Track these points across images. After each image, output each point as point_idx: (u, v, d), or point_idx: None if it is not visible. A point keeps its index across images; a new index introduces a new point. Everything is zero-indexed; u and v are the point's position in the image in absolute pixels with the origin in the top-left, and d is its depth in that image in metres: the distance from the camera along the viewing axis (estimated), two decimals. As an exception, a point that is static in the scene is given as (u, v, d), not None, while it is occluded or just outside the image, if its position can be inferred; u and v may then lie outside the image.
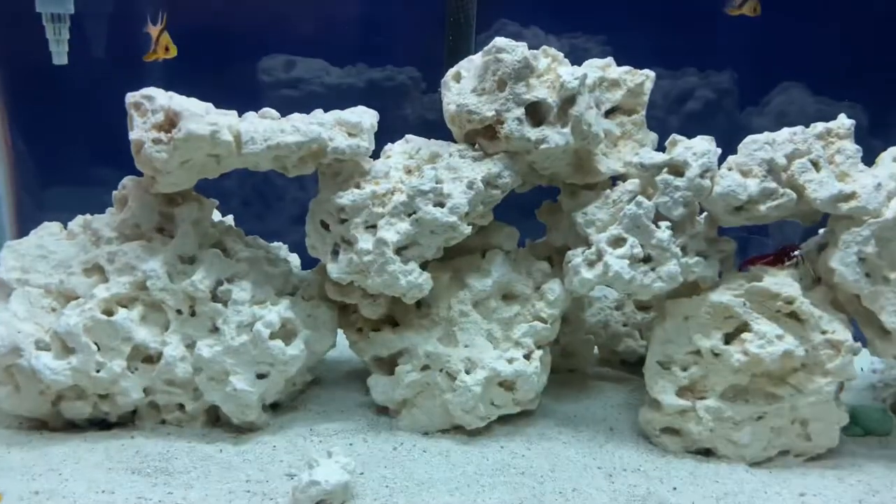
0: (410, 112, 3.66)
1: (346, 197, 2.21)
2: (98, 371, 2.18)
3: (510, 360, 2.27)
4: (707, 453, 2.27)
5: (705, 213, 2.33)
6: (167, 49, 2.26)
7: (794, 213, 2.28)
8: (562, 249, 2.45)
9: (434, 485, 2.02)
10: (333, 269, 2.25)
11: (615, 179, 2.43)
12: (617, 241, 2.23)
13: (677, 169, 2.20)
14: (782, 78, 3.47)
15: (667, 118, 3.47)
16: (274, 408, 2.45)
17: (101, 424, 2.33)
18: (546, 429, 2.39)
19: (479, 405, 2.24)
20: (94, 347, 2.17)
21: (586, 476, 2.10)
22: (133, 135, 2.19)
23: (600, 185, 2.40)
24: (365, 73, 3.95)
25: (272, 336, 2.23)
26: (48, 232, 2.46)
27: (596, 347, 3.03)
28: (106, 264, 2.28)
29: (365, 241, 2.18)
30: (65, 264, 2.34)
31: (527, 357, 2.31)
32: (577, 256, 2.30)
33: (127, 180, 2.40)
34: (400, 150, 2.41)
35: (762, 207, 2.19)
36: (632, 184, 2.32)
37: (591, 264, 2.26)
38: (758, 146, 2.20)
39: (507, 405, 2.31)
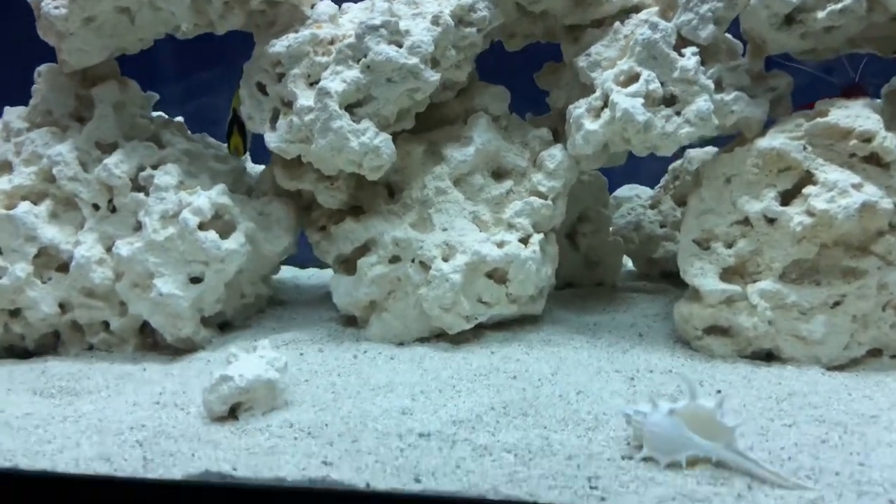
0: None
1: (280, 44, 1.77)
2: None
3: (500, 244, 1.78)
4: (769, 358, 1.72)
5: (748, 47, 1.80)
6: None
7: (866, 30, 1.71)
8: (565, 112, 1.95)
9: (394, 389, 1.54)
10: (272, 139, 1.81)
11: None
12: (628, 79, 1.72)
13: (703, -26, 1.68)
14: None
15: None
16: (223, 328, 2.02)
17: (21, 354, 1.97)
18: (554, 335, 1.88)
19: (461, 300, 1.76)
20: (-7, 248, 1.81)
21: (598, 380, 1.58)
22: (32, -5, 1.83)
23: (608, 21, 1.89)
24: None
25: (203, 227, 1.81)
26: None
27: (629, 260, 2.51)
28: (13, 157, 1.92)
29: (305, 98, 1.74)
30: (-26, 165, 2.00)
31: (523, 242, 1.81)
32: (578, 108, 1.79)
33: (41, 67, 2.04)
34: (360, 7, 1.97)
35: (820, 15, 1.63)
36: (647, 12, 1.81)
37: (596, 113, 1.76)
38: (811, -67, 1.65)
39: (500, 302, 1.81)
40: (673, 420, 1.20)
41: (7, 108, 2.03)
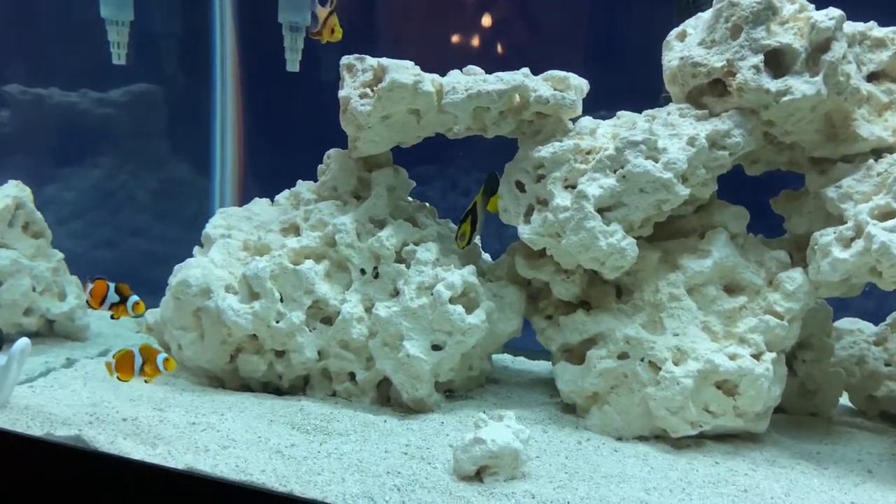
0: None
1: (546, 149, 2.00)
2: (277, 322, 2.11)
3: (732, 356, 1.84)
4: None
5: None
6: (332, 31, 2.24)
7: None
8: (803, 240, 2.00)
9: (626, 480, 1.62)
10: (525, 230, 2.02)
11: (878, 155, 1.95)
12: (883, 214, 1.76)
13: (973, 122, 1.71)
14: None
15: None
16: (448, 395, 2.20)
17: (274, 392, 2.25)
18: (778, 457, 1.87)
19: (689, 405, 1.82)
20: (278, 296, 2.12)
21: (836, 508, 1.57)
22: (342, 92, 2.20)
23: (859, 158, 1.95)
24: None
25: (452, 300, 2.02)
26: (257, 203, 2.55)
27: (845, 394, 2.42)
28: (301, 222, 2.27)
29: (562, 198, 1.94)
30: (265, 225, 2.37)
31: (755, 357, 1.85)
32: (826, 235, 1.84)
33: (331, 151, 2.41)
34: (610, 124, 2.17)
35: None
36: (904, 153, 1.86)
37: (846, 243, 1.80)
38: None
39: (727, 414, 1.84)
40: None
41: (300, 181, 2.43)
